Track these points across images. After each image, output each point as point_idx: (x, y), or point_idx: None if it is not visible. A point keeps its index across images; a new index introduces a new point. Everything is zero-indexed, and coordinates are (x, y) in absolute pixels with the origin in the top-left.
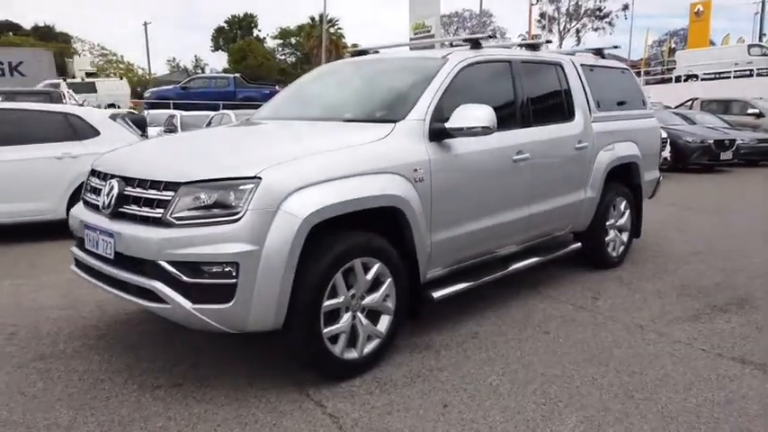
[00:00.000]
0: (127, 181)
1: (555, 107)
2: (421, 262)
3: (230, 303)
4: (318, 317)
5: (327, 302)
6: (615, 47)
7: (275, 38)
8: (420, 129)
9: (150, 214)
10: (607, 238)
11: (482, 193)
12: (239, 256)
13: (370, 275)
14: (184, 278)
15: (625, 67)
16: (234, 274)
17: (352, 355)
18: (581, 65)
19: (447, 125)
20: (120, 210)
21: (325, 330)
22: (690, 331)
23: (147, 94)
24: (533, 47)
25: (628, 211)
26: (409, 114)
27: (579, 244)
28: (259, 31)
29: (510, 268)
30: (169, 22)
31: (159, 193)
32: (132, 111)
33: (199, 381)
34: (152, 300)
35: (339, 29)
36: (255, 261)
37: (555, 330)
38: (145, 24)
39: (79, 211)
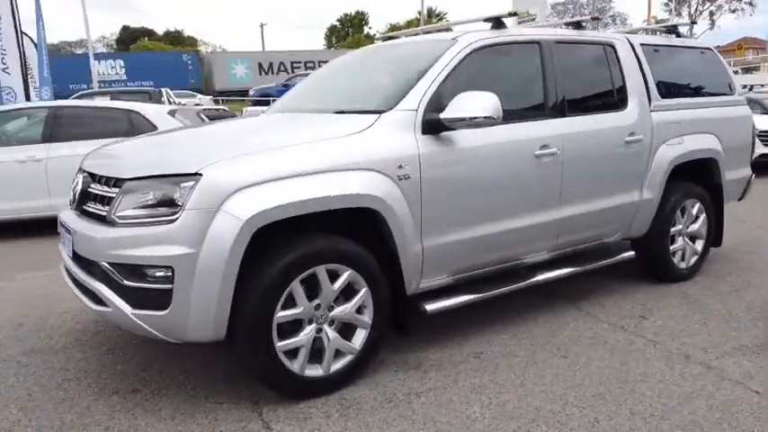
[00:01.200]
0: (92, 177)
1: (600, 94)
2: (406, 270)
3: (167, 310)
4: (269, 329)
5: (282, 313)
6: (692, 23)
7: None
8: (410, 120)
9: (100, 212)
10: (672, 247)
11: (492, 192)
12: (174, 260)
13: (337, 284)
14: (124, 281)
15: (706, 46)
16: (170, 278)
17: (316, 372)
18: (641, 45)
19: (442, 116)
20: (83, 207)
21: (280, 344)
22: (748, 366)
23: (251, 92)
24: (578, 25)
25: (703, 216)
26: (399, 104)
27: (632, 253)
28: (369, 28)
29: (533, 279)
30: (285, 23)
31: (109, 189)
32: (223, 108)
33: (158, 389)
34: (97, 302)
35: (447, 21)
36: (192, 266)
37: (576, 355)
38: (261, 26)
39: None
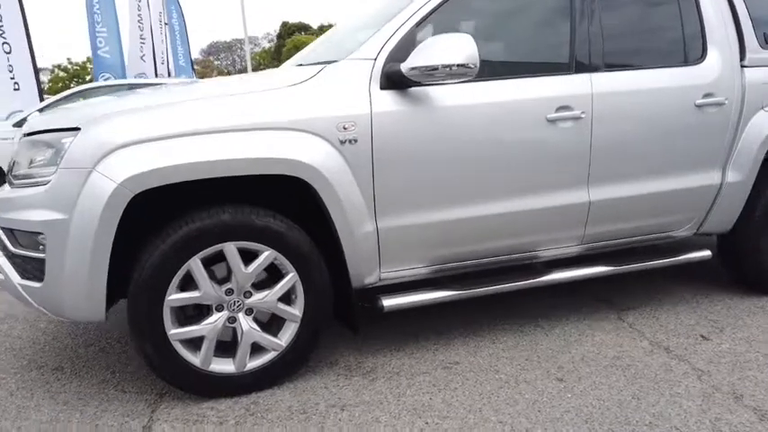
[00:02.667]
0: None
1: (662, 42)
2: (351, 255)
3: (42, 283)
4: (159, 313)
5: (176, 296)
6: None
7: None
8: (364, 71)
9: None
10: None
11: (482, 165)
12: (44, 226)
13: (252, 267)
14: (10, 247)
15: None
16: (41, 247)
17: (226, 368)
18: None
19: (403, 66)
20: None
21: (174, 331)
22: None
23: None
24: None
25: None
26: (354, 52)
27: (707, 253)
28: None
29: (545, 278)
30: None
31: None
32: None
33: (81, 369)
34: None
35: None
36: (64, 234)
37: (577, 379)
38: None
39: None
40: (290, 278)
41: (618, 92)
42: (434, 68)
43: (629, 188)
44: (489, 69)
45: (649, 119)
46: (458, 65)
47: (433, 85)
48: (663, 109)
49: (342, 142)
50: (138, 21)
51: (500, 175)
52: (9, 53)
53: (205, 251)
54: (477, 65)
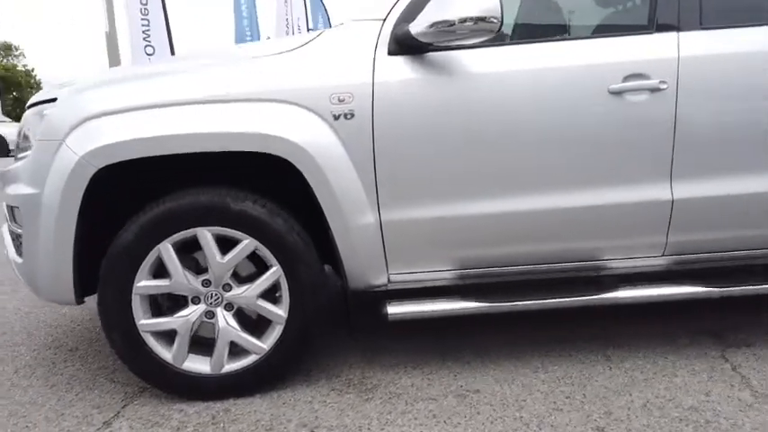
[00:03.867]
0: None
1: None
2: (347, 251)
3: (22, 260)
4: (127, 300)
5: (145, 283)
6: None
7: None
8: (369, 34)
9: None
10: None
11: (519, 147)
12: (19, 200)
13: (229, 256)
14: (8, 221)
15: None
16: (19, 221)
17: (202, 368)
18: None
19: (412, 25)
20: None
21: (143, 322)
22: None
23: None
24: None
25: None
26: (360, 15)
27: None
28: None
29: (604, 295)
30: None
31: None
32: None
33: (85, 355)
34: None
35: None
36: (36, 209)
37: (616, 422)
38: None
39: None
40: (273, 272)
41: (713, 55)
42: (450, 24)
43: (730, 184)
44: (534, 30)
45: (761, 92)
46: (475, 18)
47: (457, 48)
48: None
49: (335, 117)
50: (286, 26)
51: (542, 161)
52: (151, 55)
53: (176, 235)
54: (499, 18)
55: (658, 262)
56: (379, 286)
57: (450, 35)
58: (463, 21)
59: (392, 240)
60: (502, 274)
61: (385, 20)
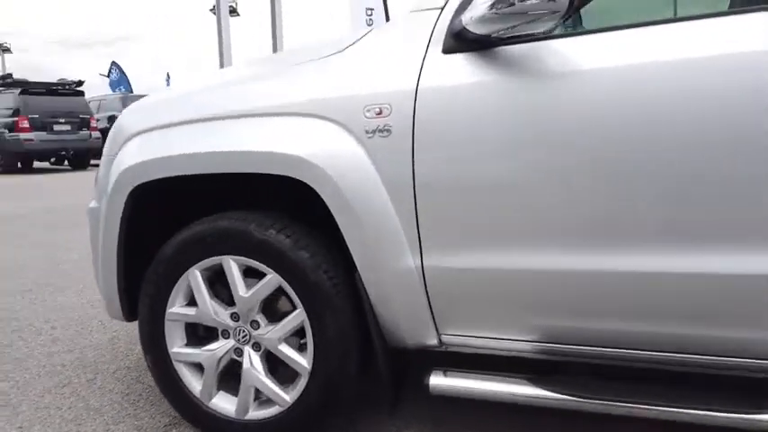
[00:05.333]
0: None
1: None
2: (379, 300)
3: (96, 273)
4: (160, 325)
5: (175, 309)
6: None
7: None
8: (422, 29)
9: None
10: None
11: (623, 183)
12: (88, 214)
13: (251, 291)
14: None
15: None
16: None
17: (228, 408)
18: None
19: (465, 14)
20: None
21: (175, 350)
22: None
23: None
24: None
25: None
26: (418, 4)
27: None
28: None
29: (752, 416)
30: None
31: None
32: None
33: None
34: None
35: None
36: (96, 224)
37: None
38: None
39: None
40: (296, 315)
41: None
42: (510, 3)
43: None
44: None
45: None
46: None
47: (541, 39)
48: None
49: (368, 133)
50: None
51: (667, 201)
52: None
53: (204, 262)
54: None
55: None
56: (434, 347)
57: (513, 19)
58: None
59: (439, 291)
60: (606, 357)
61: (443, 9)
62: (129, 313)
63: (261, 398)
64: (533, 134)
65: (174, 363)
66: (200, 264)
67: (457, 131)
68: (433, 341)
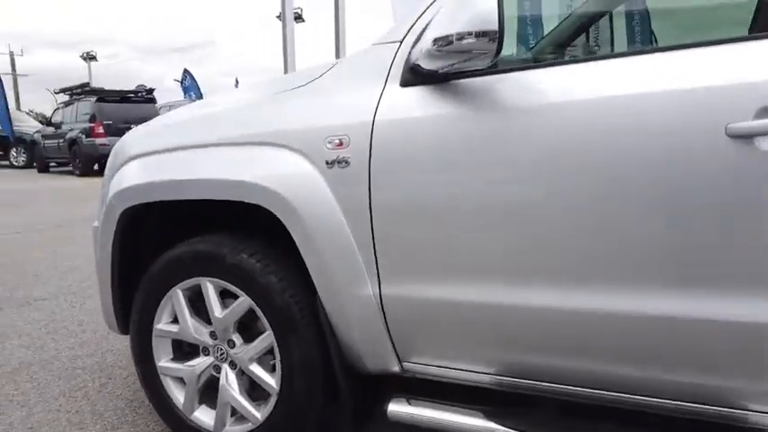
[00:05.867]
0: None
1: None
2: (340, 325)
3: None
4: (148, 339)
5: (161, 326)
6: None
7: None
8: (382, 62)
9: None
10: None
11: (586, 214)
12: (93, 232)
13: (227, 311)
14: None
15: None
16: None
17: (207, 421)
18: None
19: (414, 49)
20: None
21: (161, 364)
22: None
23: None
24: None
25: None
26: (384, 36)
27: None
28: None
29: None
30: None
31: None
32: None
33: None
34: None
35: None
36: (96, 241)
37: None
38: None
39: None
40: (265, 337)
41: None
42: (448, 42)
43: None
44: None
45: None
46: (475, 33)
47: (494, 73)
48: None
49: (328, 163)
50: None
51: (616, 238)
52: None
53: (185, 282)
54: (497, 34)
55: None
56: (388, 373)
57: (454, 57)
58: (461, 37)
59: (397, 320)
60: (558, 393)
61: (401, 43)
62: (124, 326)
63: (237, 414)
64: (483, 168)
65: (161, 376)
66: (181, 284)
67: (411, 164)
68: (396, 368)
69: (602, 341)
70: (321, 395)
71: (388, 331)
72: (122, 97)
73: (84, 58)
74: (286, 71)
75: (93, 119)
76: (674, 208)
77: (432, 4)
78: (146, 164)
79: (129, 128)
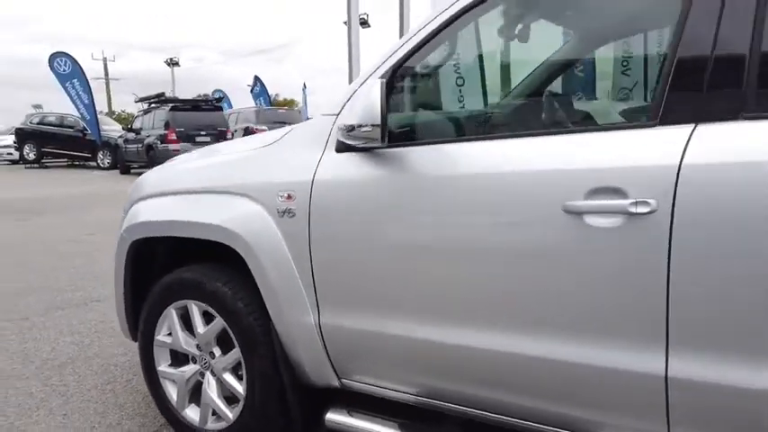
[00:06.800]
0: None
1: None
2: (290, 346)
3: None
4: (150, 347)
5: (160, 337)
6: None
7: None
8: (324, 130)
9: None
10: None
11: (455, 271)
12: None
13: (206, 329)
14: None
15: None
16: None
17: (194, 417)
18: None
19: (335, 126)
20: None
21: (161, 369)
22: None
23: None
24: None
25: None
26: (328, 108)
27: None
28: None
29: None
30: None
31: None
32: None
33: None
34: None
35: None
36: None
37: None
38: None
39: None
40: (234, 352)
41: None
42: (351, 128)
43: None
44: (488, 124)
45: None
46: (354, 126)
47: (408, 145)
48: None
49: (279, 213)
50: None
51: (482, 291)
52: None
53: (177, 303)
54: (378, 124)
55: None
56: (331, 387)
57: (358, 138)
58: (360, 126)
59: (333, 344)
60: (460, 413)
61: (338, 115)
62: (134, 335)
63: (217, 413)
64: (390, 224)
65: (161, 378)
66: (174, 304)
67: (338, 217)
68: (336, 383)
69: (490, 374)
70: (277, 402)
71: (327, 353)
72: (193, 106)
73: (168, 64)
74: (350, 76)
75: (167, 126)
76: (516, 274)
77: (354, 91)
78: (149, 205)
79: (200, 134)
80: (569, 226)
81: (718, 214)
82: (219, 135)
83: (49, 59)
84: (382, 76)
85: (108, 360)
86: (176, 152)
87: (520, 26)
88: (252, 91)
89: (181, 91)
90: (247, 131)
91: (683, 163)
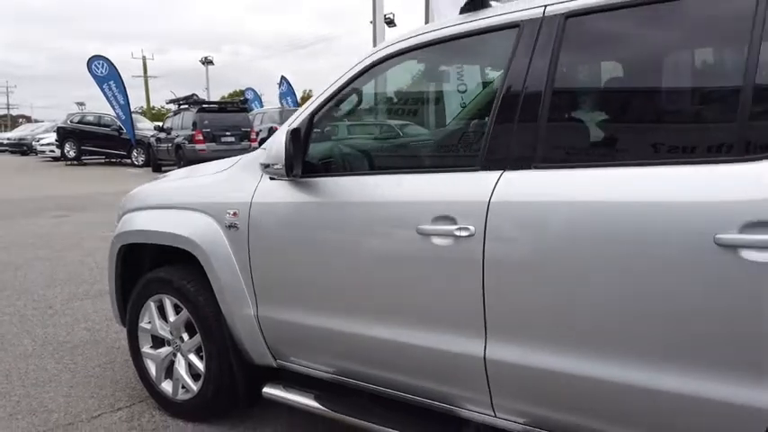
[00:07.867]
0: None
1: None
2: (237, 332)
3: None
4: (135, 332)
5: (142, 324)
6: None
7: None
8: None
9: None
10: None
11: (346, 274)
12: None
13: (174, 318)
14: None
15: None
16: None
17: (169, 390)
18: None
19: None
20: None
21: (143, 350)
22: None
23: None
24: None
25: None
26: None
27: None
28: None
29: None
30: None
31: None
32: None
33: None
34: None
35: None
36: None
37: None
38: None
39: None
40: (196, 336)
41: (554, 201)
42: (268, 166)
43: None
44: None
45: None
46: (268, 166)
47: (318, 176)
48: (646, 239)
49: (227, 226)
50: None
51: (365, 291)
52: None
53: (154, 297)
54: (281, 166)
55: (508, 426)
56: (270, 366)
57: (272, 173)
58: (274, 163)
59: (268, 331)
60: (367, 389)
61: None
62: (123, 321)
63: (185, 386)
64: (306, 234)
65: (144, 358)
66: (152, 297)
67: (269, 231)
68: (273, 363)
69: (385, 357)
70: (228, 377)
71: (264, 339)
72: (220, 108)
73: (203, 63)
74: None
75: (194, 126)
76: (386, 277)
77: (296, 118)
78: (134, 216)
79: (225, 134)
80: (421, 243)
81: (514, 235)
82: (243, 135)
83: (88, 63)
84: (300, 123)
85: (112, 344)
86: (203, 152)
87: (407, 82)
88: (279, 89)
89: (216, 85)
90: (272, 131)
91: (491, 200)
